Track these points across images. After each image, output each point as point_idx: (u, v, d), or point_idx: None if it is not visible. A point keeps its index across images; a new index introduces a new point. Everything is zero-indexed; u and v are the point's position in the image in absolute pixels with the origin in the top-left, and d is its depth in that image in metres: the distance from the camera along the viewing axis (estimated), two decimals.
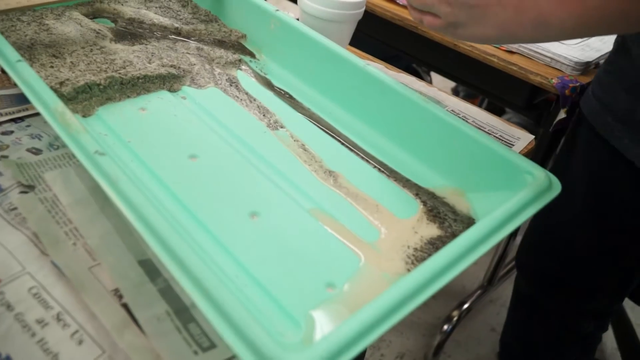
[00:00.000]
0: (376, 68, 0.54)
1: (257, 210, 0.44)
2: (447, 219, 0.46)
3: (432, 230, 0.44)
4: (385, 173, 0.51)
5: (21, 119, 0.52)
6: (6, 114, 0.53)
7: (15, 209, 0.42)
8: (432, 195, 0.48)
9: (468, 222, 0.45)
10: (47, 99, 0.42)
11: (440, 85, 1.71)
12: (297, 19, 0.64)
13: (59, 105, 0.41)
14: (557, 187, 0.43)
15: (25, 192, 0.44)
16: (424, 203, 0.47)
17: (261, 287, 0.38)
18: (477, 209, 0.47)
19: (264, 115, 0.56)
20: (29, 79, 0.44)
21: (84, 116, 0.51)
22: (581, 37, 0.43)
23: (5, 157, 0.46)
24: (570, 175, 0.65)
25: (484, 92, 1.03)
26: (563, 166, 0.70)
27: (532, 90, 0.91)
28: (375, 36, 1.04)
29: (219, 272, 0.38)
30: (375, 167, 0.51)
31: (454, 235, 0.44)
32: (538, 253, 0.77)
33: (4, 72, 0.53)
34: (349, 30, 0.66)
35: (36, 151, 0.48)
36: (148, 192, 0.44)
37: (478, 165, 0.48)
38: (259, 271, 0.39)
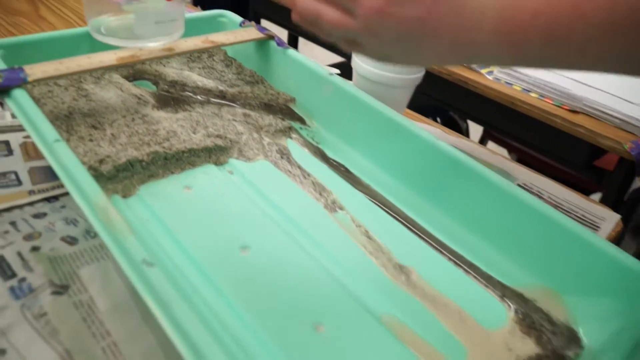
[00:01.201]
0: (448, 144, 0.49)
1: (321, 320, 0.38)
2: (544, 330, 0.39)
3: (528, 347, 0.38)
4: (462, 267, 0.44)
5: (55, 197, 0.48)
6: (39, 192, 0.48)
7: (45, 314, 0.37)
8: (521, 298, 0.42)
9: (569, 334, 0.39)
10: (87, 190, 0.36)
11: (472, 130, 1.65)
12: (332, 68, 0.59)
13: (101, 198, 0.36)
14: None
15: (59, 293, 0.38)
16: (514, 309, 0.41)
17: None
18: (577, 317, 0.40)
19: (320, 194, 0.50)
20: (67, 163, 0.39)
21: (124, 196, 0.46)
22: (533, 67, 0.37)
23: (37, 248, 0.41)
24: None
25: (538, 149, 0.97)
26: None
27: (592, 149, 0.84)
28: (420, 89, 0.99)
29: None
30: (450, 259, 0.45)
31: (555, 354, 0.37)
32: None
33: None
34: (407, 95, 0.61)
35: (71, 240, 0.43)
36: (197, 296, 0.38)
37: (572, 261, 0.42)
38: None
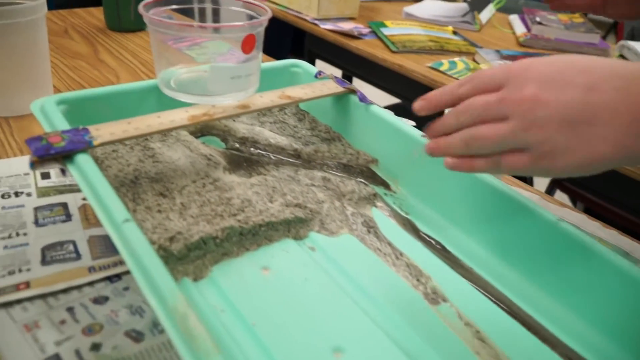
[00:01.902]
0: (572, 224, 0.41)
1: None
2: None
3: None
4: None
5: (118, 276, 0.42)
6: (100, 269, 0.42)
7: None
8: None
9: None
10: (164, 290, 0.30)
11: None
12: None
13: (180, 302, 0.30)
14: None
15: None
16: None
17: None
18: None
19: (417, 279, 0.43)
20: (137, 248, 0.33)
21: (195, 279, 0.40)
22: None
23: (98, 346, 0.35)
24: None
25: (622, 206, 0.88)
26: None
27: None
28: None
29: None
30: None
31: None
32: None
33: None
34: None
35: (137, 336, 0.37)
36: None
37: None
38: None
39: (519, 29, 1.22)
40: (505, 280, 0.43)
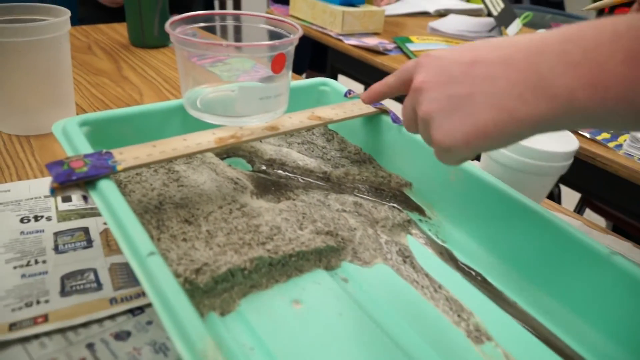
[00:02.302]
0: (625, 257, 0.38)
1: None
2: None
3: None
4: None
5: (141, 309, 0.40)
6: (122, 300, 0.40)
7: None
8: None
9: None
10: (191, 333, 0.28)
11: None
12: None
13: (209, 347, 0.27)
14: None
15: None
16: None
17: None
18: None
19: (458, 315, 0.40)
20: (163, 285, 0.31)
21: (222, 314, 0.38)
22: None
23: None
24: None
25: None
26: None
27: None
28: None
29: None
30: None
31: None
32: None
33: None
34: (549, 185, 0.51)
35: None
36: None
37: None
38: None
39: None
40: (553, 316, 0.40)
